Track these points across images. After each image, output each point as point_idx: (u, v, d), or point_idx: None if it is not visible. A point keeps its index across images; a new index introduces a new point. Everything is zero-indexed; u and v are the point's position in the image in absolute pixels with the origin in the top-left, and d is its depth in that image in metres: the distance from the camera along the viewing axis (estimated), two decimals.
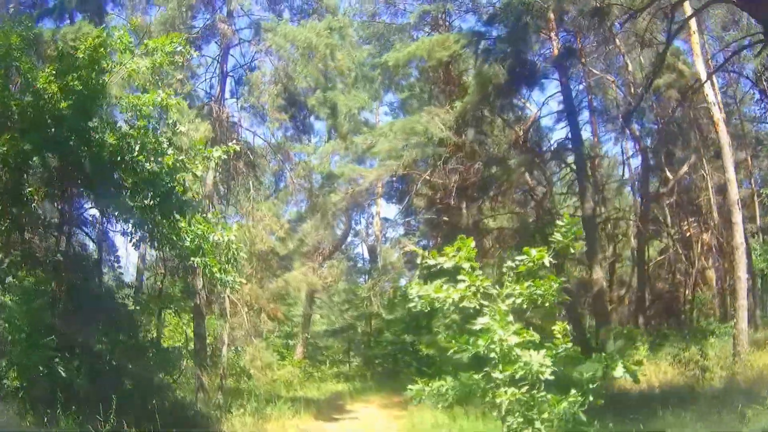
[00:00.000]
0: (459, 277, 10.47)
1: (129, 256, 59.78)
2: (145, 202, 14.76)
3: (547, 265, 10.35)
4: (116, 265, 19.76)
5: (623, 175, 45.24)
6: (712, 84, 28.08)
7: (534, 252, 10.29)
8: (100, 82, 15.03)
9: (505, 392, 9.65)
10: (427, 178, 31.75)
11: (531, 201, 37.02)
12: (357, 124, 32.67)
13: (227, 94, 28.08)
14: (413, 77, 37.26)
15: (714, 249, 37.22)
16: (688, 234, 37.63)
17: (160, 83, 16.70)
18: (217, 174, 26.34)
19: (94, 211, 18.31)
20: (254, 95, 26.69)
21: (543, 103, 35.79)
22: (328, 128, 32.67)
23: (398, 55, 30.67)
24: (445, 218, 32.25)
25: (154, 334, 23.14)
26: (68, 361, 14.16)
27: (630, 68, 35.10)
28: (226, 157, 17.77)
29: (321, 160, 32.25)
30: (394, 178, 37.89)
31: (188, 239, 15.04)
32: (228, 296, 24.21)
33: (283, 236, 28.03)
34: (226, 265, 15.63)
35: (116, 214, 15.92)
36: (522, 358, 9.66)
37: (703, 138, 34.60)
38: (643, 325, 36.62)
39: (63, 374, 13.55)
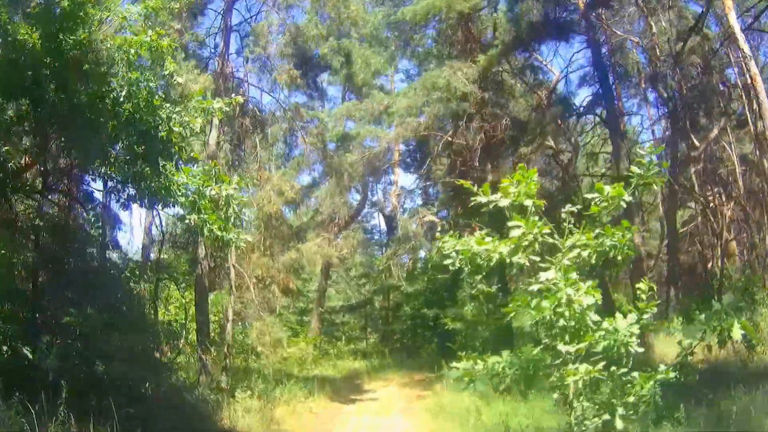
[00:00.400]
0: (511, 224, 8.29)
1: (134, 230, 57.33)
2: (130, 149, 12.63)
3: (624, 205, 8.18)
4: (98, 230, 17.25)
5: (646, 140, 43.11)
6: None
7: (608, 189, 8.11)
8: (79, 17, 12.72)
9: (577, 370, 7.47)
10: (449, 139, 29.41)
11: (556, 167, 34.91)
12: (372, 78, 30.41)
13: (232, 49, 25.86)
14: (430, 39, 34.89)
15: (738, 220, 35.20)
16: (712, 204, 35.47)
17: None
18: (222, 134, 24.14)
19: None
20: (260, 45, 24.39)
21: (570, 59, 33.43)
22: (343, 79, 30.37)
23: (416, 8, 28.35)
24: (470, 182, 29.83)
25: (153, 310, 20.85)
26: (37, 338, 12.07)
27: (654, 30, 32.87)
28: (227, 109, 15.52)
29: (335, 123, 29.98)
30: (413, 142, 35.88)
31: (180, 193, 12.87)
32: (234, 266, 22.04)
33: (294, 197, 25.61)
34: (227, 224, 13.47)
35: (98, 168, 13.72)
36: (601, 325, 7.48)
37: (727, 103, 32.47)
38: (675, 297, 34.88)
39: (29, 354, 11.38)
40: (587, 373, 7.43)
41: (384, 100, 29.53)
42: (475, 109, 27.68)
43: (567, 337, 7.68)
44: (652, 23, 32.37)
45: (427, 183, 36.27)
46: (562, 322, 7.53)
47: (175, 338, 20.09)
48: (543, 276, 7.76)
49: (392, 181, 45.87)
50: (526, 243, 8.21)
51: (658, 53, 32.64)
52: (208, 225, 13.40)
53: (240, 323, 24.28)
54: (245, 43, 26.27)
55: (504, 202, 8.28)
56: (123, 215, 24.61)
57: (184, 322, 22.81)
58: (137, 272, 19.25)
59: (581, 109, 31.65)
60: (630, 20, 33.89)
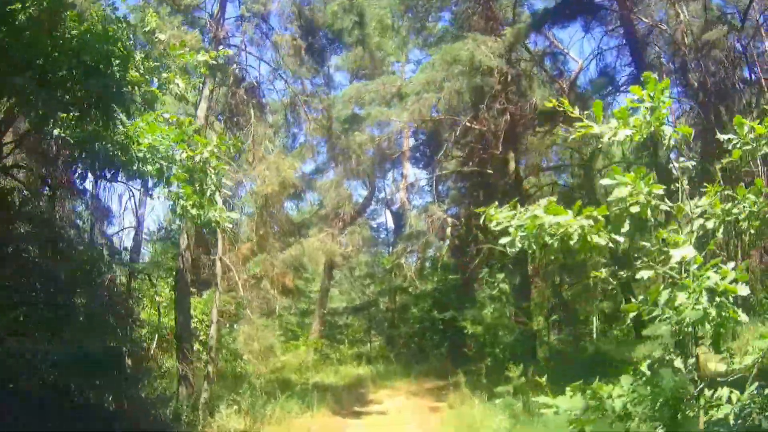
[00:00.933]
0: (608, 181, 5.65)
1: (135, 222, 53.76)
2: (76, 92, 9.74)
3: None
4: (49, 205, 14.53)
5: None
6: None
7: (748, 127, 5.50)
8: None
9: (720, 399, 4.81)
10: (468, 124, 26.65)
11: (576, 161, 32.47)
12: (387, 41, 27.83)
13: (229, 15, 23.07)
14: (447, 22, 32.34)
15: None
16: None
17: None
18: (213, 107, 21.30)
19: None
20: (260, 1, 21.67)
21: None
22: (354, 42, 27.32)
23: None
24: (490, 171, 27.22)
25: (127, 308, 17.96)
26: None
27: (681, 18, 30.49)
28: (214, 62, 12.95)
29: (343, 106, 27.22)
30: (424, 135, 33.43)
31: (141, 157, 10.03)
32: (221, 259, 19.13)
33: (293, 181, 22.44)
34: (202, 198, 10.60)
35: (51, 129, 10.94)
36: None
37: (749, 100, 30.21)
38: None
39: None
40: (739, 402, 4.78)
41: (396, 81, 26.93)
42: (501, 86, 24.99)
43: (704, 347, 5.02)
44: (680, 11, 30.09)
45: (442, 172, 33.51)
46: (706, 325, 4.79)
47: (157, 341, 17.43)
48: (677, 254, 5.06)
49: (402, 174, 43.08)
50: (635, 208, 5.52)
51: (687, 42, 30.34)
52: (181, 201, 10.67)
53: (228, 326, 21.50)
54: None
55: (623, 134, 5.55)
56: (109, 200, 21.99)
57: (157, 322, 19.93)
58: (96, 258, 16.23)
59: (619, 87, 28.81)
60: (655, 8, 31.53)
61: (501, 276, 22.46)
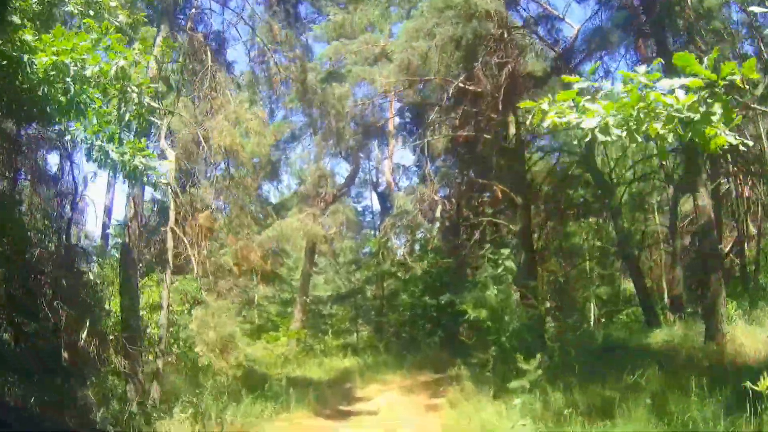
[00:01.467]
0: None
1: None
2: None
3: None
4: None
5: None
6: None
7: None
8: None
9: None
10: (461, 85, 23.82)
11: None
12: None
13: None
14: None
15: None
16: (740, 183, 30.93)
17: None
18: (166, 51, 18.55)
19: None
20: None
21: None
22: None
23: None
24: (487, 136, 24.47)
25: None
26: None
27: None
28: None
29: (321, 66, 24.65)
30: (416, 95, 30.83)
31: (44, 73, 7.22)
32: (172, 229, 16.00)
33: (258, 131, 19.37)
34: (119, 126, 7.74)
35: None
36: None
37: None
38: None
39: None
40: None
41: (380, 41, 24.36)
42: (500, 33, 22.18)
43: None
44: None
45: (434, 137, 30.81)
46: None
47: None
48: None
49: (388, 150, 40.49)
50: None
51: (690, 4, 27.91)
52: (96, 141, 7.93)
53: (186, 313, 18.53)
54: None
55: None
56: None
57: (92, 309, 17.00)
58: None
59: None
60: None
61: (506, 252, 19.79)
